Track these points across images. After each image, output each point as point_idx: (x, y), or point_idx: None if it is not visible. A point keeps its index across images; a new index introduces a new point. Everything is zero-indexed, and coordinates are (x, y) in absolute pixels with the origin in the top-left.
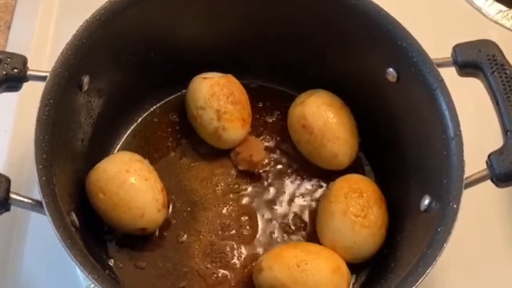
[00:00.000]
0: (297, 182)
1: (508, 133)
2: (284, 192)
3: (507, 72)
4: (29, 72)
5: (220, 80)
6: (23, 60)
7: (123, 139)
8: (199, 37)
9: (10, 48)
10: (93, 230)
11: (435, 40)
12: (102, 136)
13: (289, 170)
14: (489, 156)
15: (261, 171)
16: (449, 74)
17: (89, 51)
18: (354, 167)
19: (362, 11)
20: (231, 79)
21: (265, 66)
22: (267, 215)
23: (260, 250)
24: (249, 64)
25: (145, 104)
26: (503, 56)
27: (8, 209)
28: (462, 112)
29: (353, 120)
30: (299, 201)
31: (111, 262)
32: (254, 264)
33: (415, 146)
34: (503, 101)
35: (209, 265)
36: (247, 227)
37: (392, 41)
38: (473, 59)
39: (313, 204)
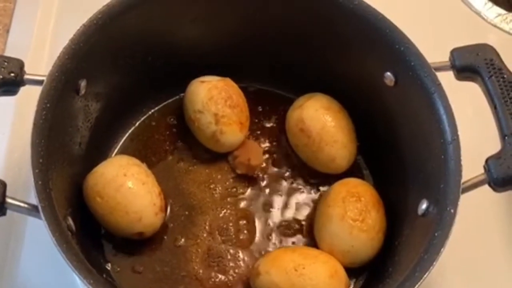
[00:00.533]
0: (295, 186)
1: (506, 137)
2: (282, 196)
3: (505, 76)
4: (26, 76)
5: (218, 83)
6: (20, 64)
7: (120, 143)
8: (197, 40)
9: (8, 52)
10: (90, 234)
11: (433, 44)
12: (100, 140)
13: (287, 174)
14: (486, 160)
15: (259, 175)
16: (447, 78)
17: (86, 55)
18: (352, 171)
19: (360, 15)
20: (229, 83)
21: (264, 68)
22: (265, 219)
23: (257, 254)
24: (248, 67)
25: (143, 108)
26: (501, 61)
27: (4, 214)
28: (459, 116)
29: (351, 124)
30: (297, 205)
31: (109, 266)
32: (251, 268)
33: (413, 150)
34: (501, 106)
35: (206, 269)
36: (245, 231)
37: (390, 45)
38: (471, 63)
39: (311, 208)
